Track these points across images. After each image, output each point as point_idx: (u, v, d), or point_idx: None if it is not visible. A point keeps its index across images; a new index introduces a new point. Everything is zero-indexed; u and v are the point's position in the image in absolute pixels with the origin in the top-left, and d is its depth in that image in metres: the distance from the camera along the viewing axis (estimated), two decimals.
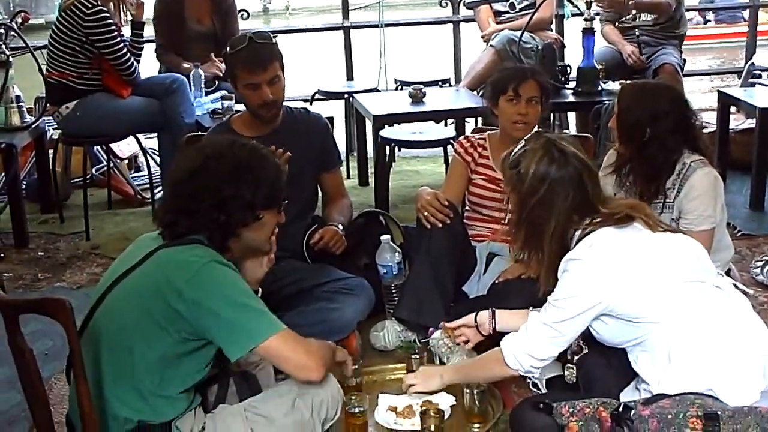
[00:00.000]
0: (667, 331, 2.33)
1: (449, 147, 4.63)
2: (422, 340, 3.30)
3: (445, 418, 2.74)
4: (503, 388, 3.02)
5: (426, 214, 3.35)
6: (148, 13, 5.08)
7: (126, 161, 5.59)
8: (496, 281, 3.41)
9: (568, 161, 2.44)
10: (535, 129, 2.71)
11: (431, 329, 3.28)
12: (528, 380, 3.04)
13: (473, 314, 2.84)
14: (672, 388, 2.30)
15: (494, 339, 2.71)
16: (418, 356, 3.07)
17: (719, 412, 2.20)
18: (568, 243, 2.44)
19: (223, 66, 5.03)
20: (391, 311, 3.41)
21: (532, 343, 2.47)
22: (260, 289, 2.63)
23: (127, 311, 2.27)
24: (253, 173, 2.36)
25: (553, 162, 2.43)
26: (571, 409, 2.35)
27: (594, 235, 2.40)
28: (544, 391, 2.95)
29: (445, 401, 2.87)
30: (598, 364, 2.64)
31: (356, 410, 2.68)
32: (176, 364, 2.27)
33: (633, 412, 2.26)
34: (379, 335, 3.37)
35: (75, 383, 2.15)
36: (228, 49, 3.41)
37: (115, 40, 4.61)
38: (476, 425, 2.79)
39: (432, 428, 2.64)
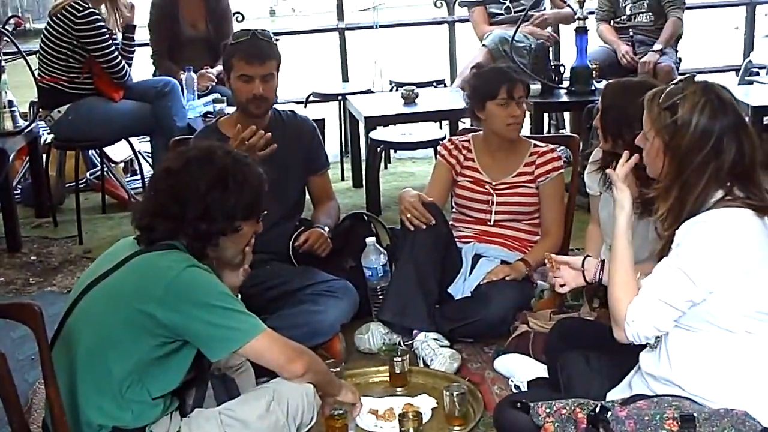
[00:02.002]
0: (731, 343, 2.25)
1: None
2: (406, 342, 3.30)
3: (425, 420, 2.73)
4: (484, 390, 3.02)
5: (409, 216, 3.34)
6: (144, 18, 5.10)
7: (122, 165, 5.60)
8: (482, 282, 3.40)
9: (728, 108, 2.23)
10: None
11: (415, 331, 3.28)
12: (510, 382, 3.03)
13: (581, 257, 2.68)
14: (699, 389, 2.26)
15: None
16: (401, 359, 3.06)
17: (695, 414, 2.19)
18: (704, 205, 2.24)
19: (216, 70, 5.06)
20: (376, 313, 3.40)
21: (653, 320, 2.25)
22: (239, 294, 2.64)
23: (103, 317, 2.26)
24: (237, 181, 2.33)
25: (715, 114, 2.21)
26: (547, 410, 2.34)
27: (735, 214, 2.20)
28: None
29: (426, 404, 2.87)
30: (579, 367, 2.63)
31: (336, 413, 2.67)
32: (153, 370, 2.26)
33: (610, 413, 2.25)
34: (363, 338, 3.36)
35: (45, 385, 2.14)
36: (230, 40, 3.42)
37: (107, 43, 4.61)
38: (457, 427, 2.77)
39: (411, 431, 2.64)
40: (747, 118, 4.66)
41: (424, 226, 3.33)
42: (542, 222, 3.58)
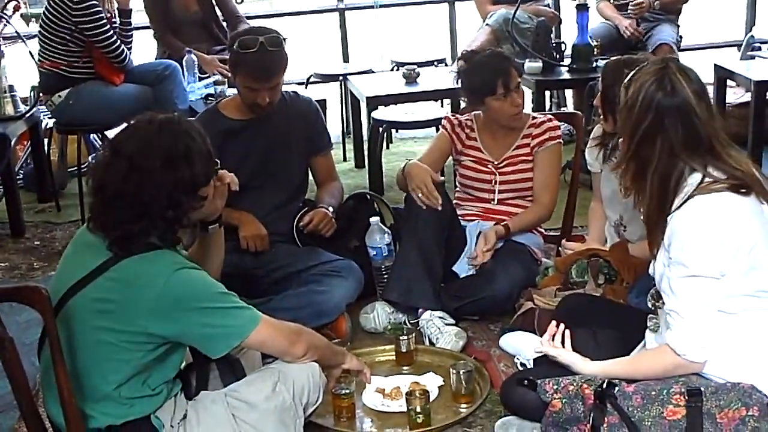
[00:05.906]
0: (732, 323, 2.27)
1: None
2: (412, 321, 3.31)
3: (432, 398, 2.74)
4: (491, 367, 3.03)
5: (420, 195, 3.32)
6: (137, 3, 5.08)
7: None
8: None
9: (676, 90, 2.26)
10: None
11: (420, 310, 3.28)
12: (516, 359, 3.04)
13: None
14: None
15: None
16: (406, 337, 3.07)
17: (702, 388, 2.20)
18: (672, 184, 2.26)
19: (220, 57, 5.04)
20: (381, 293, 3.40)
21: (704, 329, 2.26)
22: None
23: (92, 333, 2.20)
24: (183, 155, 2.20)
25: (661, 89, 2.26)
26: (555, 386, 2.36)
27: (717, 199, 2.22)
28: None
29: (432, 382, 2.88)
30: (586, 343, 2.63)
31: (343, 392, 2.68)
32: (150, 368, 2.25)
33: (617, 388, 2.26)
34: (369, 317, 3.37)
35: (54, 368, 2.12)
36: (236, 46, 3.28)
37: (105, 28, 4.59)
38: (463, 405, 2.78)
39: (418, 409, 2.65)
40: (749, 93, 4.73)
41: (434, 206, 3.31)
42: (534, 189, 3.52)
